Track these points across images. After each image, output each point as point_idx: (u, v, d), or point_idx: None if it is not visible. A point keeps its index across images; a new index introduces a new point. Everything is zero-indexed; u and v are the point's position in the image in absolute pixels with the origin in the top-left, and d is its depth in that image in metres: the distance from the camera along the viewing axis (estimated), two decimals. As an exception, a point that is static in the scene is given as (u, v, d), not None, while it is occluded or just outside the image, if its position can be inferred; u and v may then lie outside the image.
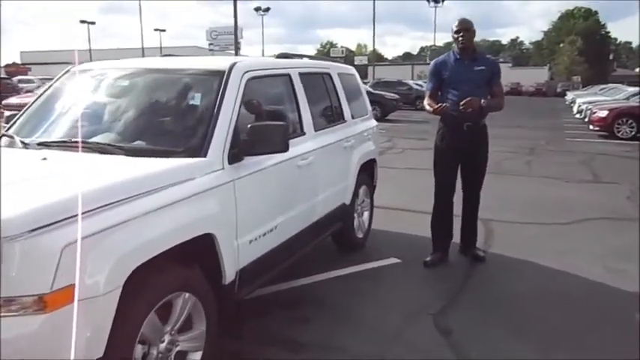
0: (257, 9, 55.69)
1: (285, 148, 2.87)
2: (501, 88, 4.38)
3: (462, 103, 3.99)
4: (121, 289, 2.00)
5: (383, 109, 19.15)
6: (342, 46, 69.59)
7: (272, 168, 3.08)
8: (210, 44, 47.53)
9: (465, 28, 4.14)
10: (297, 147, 3.47)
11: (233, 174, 2.74)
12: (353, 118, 4.65)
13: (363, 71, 58.13)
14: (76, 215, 1.90)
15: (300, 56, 4.24)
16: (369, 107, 5.23)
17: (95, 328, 1.94)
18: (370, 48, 63.00)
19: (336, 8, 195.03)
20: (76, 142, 2.78)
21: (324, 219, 3.91)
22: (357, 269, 4.34)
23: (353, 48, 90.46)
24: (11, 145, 2.99)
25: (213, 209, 2.57)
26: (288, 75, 3.65)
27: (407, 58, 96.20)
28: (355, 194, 4.55)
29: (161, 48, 49.45)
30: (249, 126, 2.77)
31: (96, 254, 1.92)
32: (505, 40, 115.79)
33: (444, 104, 4.10)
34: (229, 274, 2.72)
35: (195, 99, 2.96)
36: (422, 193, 4.79)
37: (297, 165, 3.44)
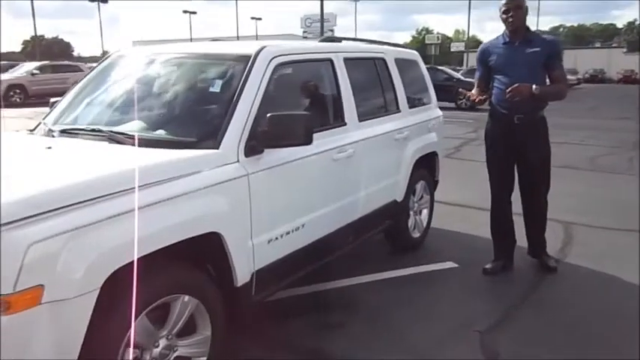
0: (351, -5, 55.23)
1: (308, 141, 2.59)
2: (562, 71, 3.71)
3: (507, 90, 3.45)
4: (99, 292, 1.86)
5: (472, 98, 18.13)
6: (437, 33, 67.16)
7: (299, 161, 2.82)
8: (304, 32, 47.83)
9: (516, 5, 3.55)
10: (335, 138, 3.20)
11: (249, 168, 2.52)
12: (412, 107, 4.27)
13: (458, 58, 55.77)
14: (46, 212, 1.77)
15: (340, 39, 3.86)
16: (434, 96, 4.79)
17: (66, 332, 1.81)
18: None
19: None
20: (93, 130, 2.72)
21: (367, 217, 3.59)
22: (407, 272, 3.98)
23: (450, 34, 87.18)
24: (43, 132, 2.99)
25: (220, 206, 2.36)
26: (330, 60, 3.36)
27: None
28: (410, 190, 4.18)
29: (257, 36, 50.69)
30: (268, 115, 2.52)
31: (69, 253, 1.78)
32: (621, 24, 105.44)
33: (477, 96, 3.69)
34: (242, 275, 2.52)
35: (216, 86, 2.76)
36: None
37: (333, 158, 3.15)
